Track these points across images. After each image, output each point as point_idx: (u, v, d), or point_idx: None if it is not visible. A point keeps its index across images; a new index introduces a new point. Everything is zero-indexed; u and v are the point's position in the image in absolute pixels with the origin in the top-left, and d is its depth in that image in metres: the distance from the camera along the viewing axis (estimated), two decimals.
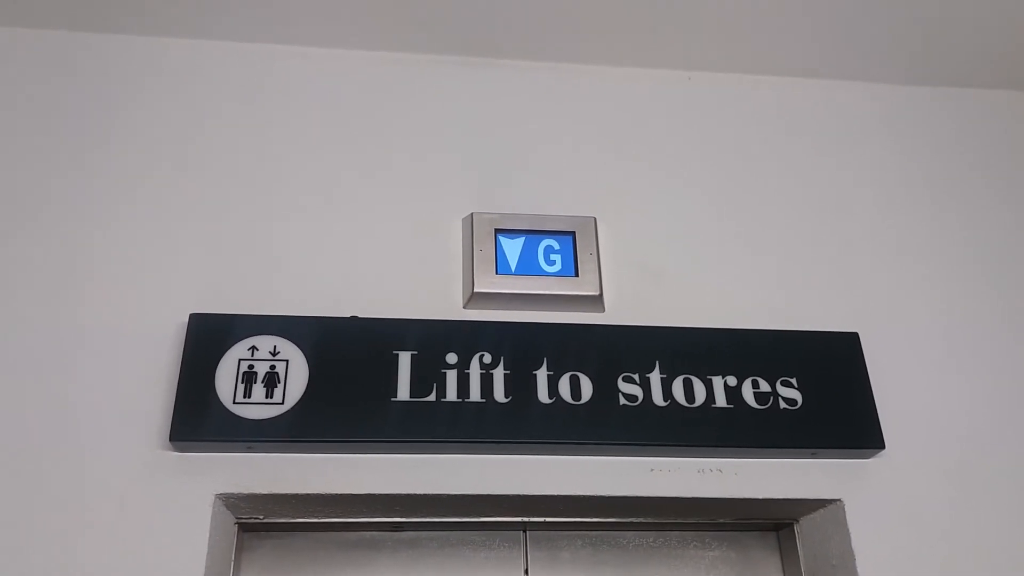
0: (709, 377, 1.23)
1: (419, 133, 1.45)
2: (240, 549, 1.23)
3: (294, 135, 1.42)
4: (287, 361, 1.17)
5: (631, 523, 1.31)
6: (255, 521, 1.21)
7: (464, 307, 1.29)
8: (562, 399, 1.19)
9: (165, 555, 1.07)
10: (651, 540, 1.35)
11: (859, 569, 1.17)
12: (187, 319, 1.18)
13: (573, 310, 1.30)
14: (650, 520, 1.31)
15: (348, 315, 1.23)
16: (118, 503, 1.09)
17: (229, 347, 1.16)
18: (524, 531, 1.32)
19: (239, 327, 1.18)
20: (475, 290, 1.28)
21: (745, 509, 1.26)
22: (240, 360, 1.16)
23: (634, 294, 1.34)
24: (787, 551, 1.34)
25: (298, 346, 1.18)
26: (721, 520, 1.32)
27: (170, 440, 1.11)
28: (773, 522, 1.35)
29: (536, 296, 1.29)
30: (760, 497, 1.21)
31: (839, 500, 1.22)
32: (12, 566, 1.04)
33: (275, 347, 1.17)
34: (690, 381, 1.22)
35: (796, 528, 1.32)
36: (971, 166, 1.57)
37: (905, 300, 1.40)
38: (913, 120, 1.61)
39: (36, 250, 1.25)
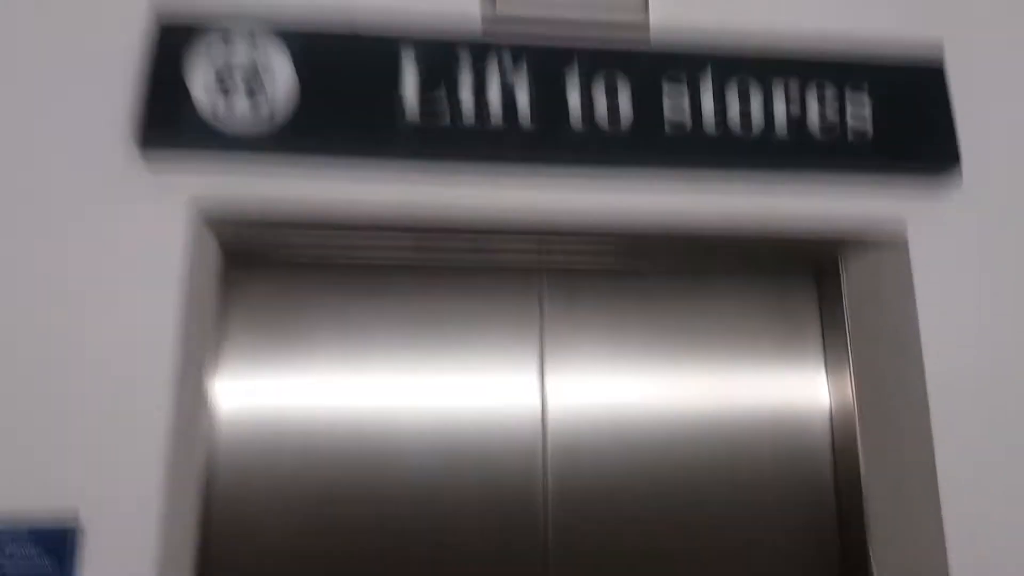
0: (769, 86, 1.05)
1: None
2: (229, 283, 1.12)
3: None
4: (273, 69, 0.98)
5: (654, 268, 1.21)
6: (242, 248, 1.08)
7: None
8: (596, 118, 1.02)
9: (138, 277, 0.94)
10: (677, 284, 1.24)
11: (920, 311, 1.06)
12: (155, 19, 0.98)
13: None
14: (677, 261, 1.20)
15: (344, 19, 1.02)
16: (85, 221, 0.95)
17: (203, 49, 0.97)
18: (543, 272, 1.21)
19: (213, 25, 0.98)
20: None
21: (790, 241, 1.13)
22: (216, 65, 0.96)
23: None
24: (828, 293, 1.24)
25: (287, 51, 0.98)
26: (760, 254, 1.20)
27: (140, 147, 0.94)
28: (813, 262, 1.24)
29: None
30: (810, 225, 1.07)
31: (902, 228, 1.08)
32: None
33: (260, 51, 0.98)
34: (746, 90, 1.05)
35: (841, 266, 1.20)
36: None
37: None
38: None
39: None
